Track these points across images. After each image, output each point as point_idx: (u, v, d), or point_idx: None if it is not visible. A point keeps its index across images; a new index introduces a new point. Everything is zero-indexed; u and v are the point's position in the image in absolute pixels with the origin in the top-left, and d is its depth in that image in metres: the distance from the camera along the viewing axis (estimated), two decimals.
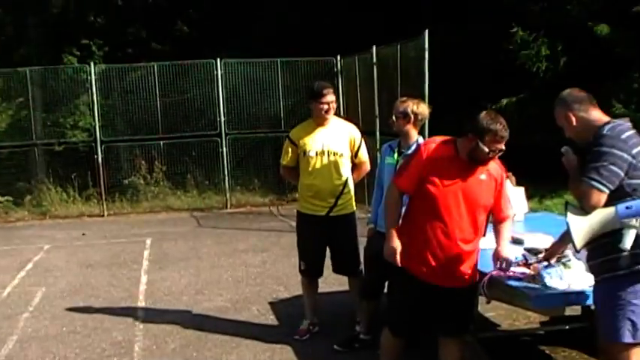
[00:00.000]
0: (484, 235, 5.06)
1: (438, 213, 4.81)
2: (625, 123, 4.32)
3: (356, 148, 6.77)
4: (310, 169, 6.66)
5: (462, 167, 4.79)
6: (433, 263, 4.89)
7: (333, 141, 6.65)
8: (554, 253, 4.95)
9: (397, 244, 5.03)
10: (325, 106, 6.55)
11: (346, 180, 6.71)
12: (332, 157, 6.62)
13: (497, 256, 4.96)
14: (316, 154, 6.61)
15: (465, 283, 4.97)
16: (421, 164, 4.89)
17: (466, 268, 4.94)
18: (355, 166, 6.84)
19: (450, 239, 4.82)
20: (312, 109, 6.69)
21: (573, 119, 4.40)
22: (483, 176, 4.81)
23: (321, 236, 6.79)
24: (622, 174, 4.12)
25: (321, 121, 6.67)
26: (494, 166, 4.88)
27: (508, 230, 5.13)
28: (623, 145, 4.14)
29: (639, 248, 4.15)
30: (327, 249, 6.96)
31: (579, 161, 4.33)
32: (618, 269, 4.19)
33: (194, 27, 20.18)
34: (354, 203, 6.86)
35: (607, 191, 4.11)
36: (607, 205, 4.15)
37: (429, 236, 4.88)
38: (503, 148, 4.70)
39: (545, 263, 4.96)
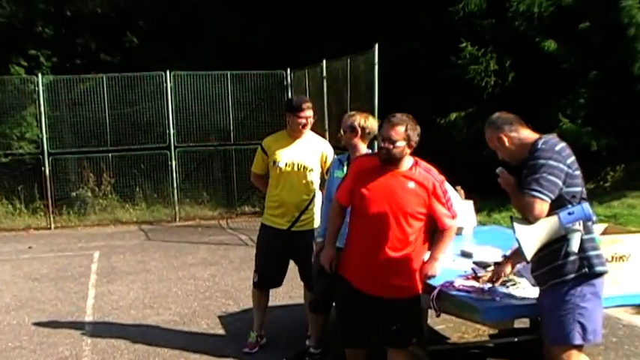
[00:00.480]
0: (426, 246, 5.10)
1: (366, 222, 4.97)
2: (555, 137, 4.51)
3: (328, 165, 6.70)
4: (278, 179, 6.64)
5: (387, 176, 4.93)
6: (366, 272, 5.03)
7: (305, 155, 6.62)
8: (501, 273, 5.02)
9: (332, 251, 5.35)
10: (303, 121, 6.53)
11: (313, 196, 6.70)
12: (301, 171, 6.60)
13: (420, 269, 5.06)
14: (285, 166, 6.57)
15: (403, 294, 5.02)
16: (351, 176, 5.17)
17: (401, 278, 4.98)
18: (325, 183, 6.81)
19: (378, 247, 4.91)
20: (288, 121, 6.64)
21: (506, 140, 4.58)
22: (411, 184, 4.89)
23: (280, 250, 6.75)
24: (560, 183, 4.29)
25: (295, 135, 6.64)
26: (424, 175, 4.94)
27: (444, 243, 5.12)
28: (558, 157, 4.32)
29: (584, 252, 4.35)
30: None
31: (516, 179, 4.44)
32: (566, 274, 4.36)
33: (144, 39, 20.05)
34: (317, 221, 6.78)
35: (549, 200, 4.26)
36: (549, 214, 4.29)
37: (359, 245, 5.06)
38: (397, 139, 4.80)
39: (490, 285, 5.02)
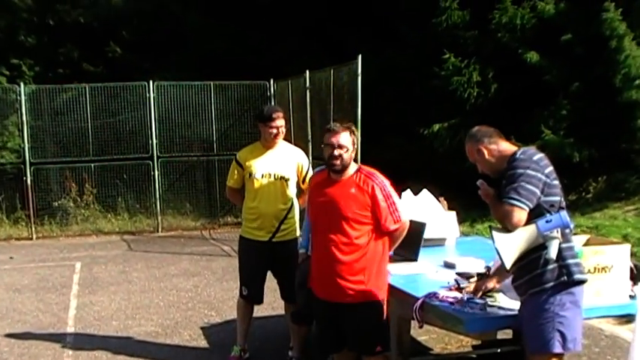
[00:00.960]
0: (385, 248, 5.18)
1: (316, 229, 5.23)
2: (533, 148, 4.59)
3: (303, 174, 6.69)
4: (255, 191, 6.58)
5: (332, 185, 5.12)
6: (323, 279, 5.17)
7: (280, 165, 6.59)
8: (482, 287, 5.02)
9: None
10: (274, 131, 6.50)
11: (291, 205, 6.66)
12: (278, 181, 6.56)
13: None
14: (262, 177, 6.54)
15: (360, 299, 5.05)
16: (309, 193, 5.51)
17: (355, 282, 5.03)
18: (302, 192, 6.78)
19: (328, 254, 5.05)
20: (261, 131, 6.64)
21: (485, 152, 4.63)
22: (353, 190, 5.04)
23: (263, 262, 6.71)
24: (538, 192, 4.32)
25: (269, 145, 6.62)
26: (364, 179, 5.07)
27: (389, 245, 5.24)
28: (536, 166, 4.37)
29: (562, 260, 4.37)
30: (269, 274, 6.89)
31: (495, 191, 4.48)
32: (545, 283, 4.37)
33: (127, 49, 20.02)
34: (298, 229, 6.77)
35: (527, 209, 4.29)
36: (528, 223, 4.31)
37: (316, 255, 5.26)
38: (348, 145, 5.02)
39: (470, 296, 5.01)
